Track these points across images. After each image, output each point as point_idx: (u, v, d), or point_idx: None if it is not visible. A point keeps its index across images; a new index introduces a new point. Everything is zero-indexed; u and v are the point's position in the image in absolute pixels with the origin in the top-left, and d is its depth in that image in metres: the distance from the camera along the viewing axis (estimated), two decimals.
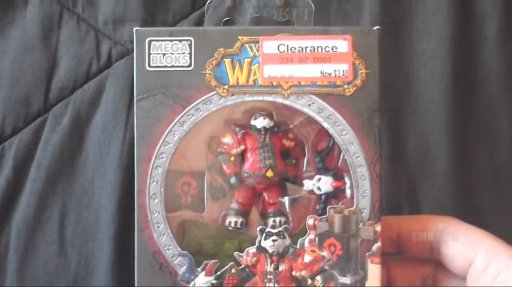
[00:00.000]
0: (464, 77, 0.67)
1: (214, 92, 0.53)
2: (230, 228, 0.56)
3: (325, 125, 0.53)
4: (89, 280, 0.65)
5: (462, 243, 0.53)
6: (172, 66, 0.53)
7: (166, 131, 0.53)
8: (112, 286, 0.64)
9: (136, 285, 0.53)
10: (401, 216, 0.61)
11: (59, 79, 0.66)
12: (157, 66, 0.53)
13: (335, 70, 0.53)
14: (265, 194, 0.57)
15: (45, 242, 0.65)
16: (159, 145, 0.53)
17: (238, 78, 0.53)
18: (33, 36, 0.66)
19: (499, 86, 0.67)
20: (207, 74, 0.53)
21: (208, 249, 0.55)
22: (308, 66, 0.53)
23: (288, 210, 0.56)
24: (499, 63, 0.67)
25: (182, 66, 0.53)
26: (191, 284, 0.53)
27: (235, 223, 0.55)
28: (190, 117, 0.53)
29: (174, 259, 0.53)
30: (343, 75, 0.53)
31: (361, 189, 0.53)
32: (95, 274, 0.64)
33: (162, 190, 0.53)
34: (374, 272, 0.52)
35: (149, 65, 0.53)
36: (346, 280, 0.52)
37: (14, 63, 0.66)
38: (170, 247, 0.53)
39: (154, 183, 0.53)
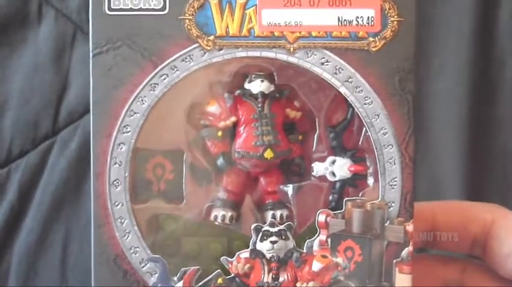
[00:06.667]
0: (479, 121, 0.69)
1: (196, 45, 0.47)
2: (216, 223, 0.50)
3: (342, 90, 0.48)
4: None
5: None
6: (141, 9, 0.47)
7: (133, 97, 0.47)
8: None
9: None
10: (437, 202, 0.57)
11: (68, 102, 0.69)
12: (121, 10, 0.47)
13: (357, 17, 0.47)
14: (262, 180, 0.51)
15: (46, 269, 0.68)
16: (122, 115, 0.47)
17: (227, 27, 0.47)
18: (44, 56, 0.69)
19: None
20: (187, 21, 0.47)
21: (188, 249, 0.50)
22: (321, 12, 0.47)
23: (291, 201, 0.51)
24: None
25: (153, 10, 0.47)
26: None
27: (223, 217, 0.50)
28: (165, 79, 0.47)
29: (143, 265, 0.48)
30: (368, 24, 0.47)
31: (389, 176, 0.47)
32: None
33: (126, 175, 0.48)
34: (403, 284, 0.47)
35: (109, 8, 0.47)
36: None
37: (25, 83, 0.69)
38: (137, 249, 0.48)
39: (117, 165, 0.47)
